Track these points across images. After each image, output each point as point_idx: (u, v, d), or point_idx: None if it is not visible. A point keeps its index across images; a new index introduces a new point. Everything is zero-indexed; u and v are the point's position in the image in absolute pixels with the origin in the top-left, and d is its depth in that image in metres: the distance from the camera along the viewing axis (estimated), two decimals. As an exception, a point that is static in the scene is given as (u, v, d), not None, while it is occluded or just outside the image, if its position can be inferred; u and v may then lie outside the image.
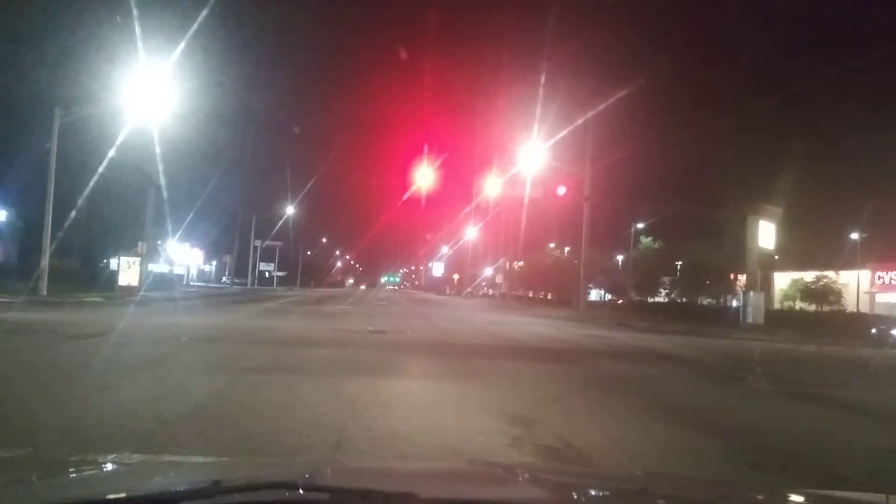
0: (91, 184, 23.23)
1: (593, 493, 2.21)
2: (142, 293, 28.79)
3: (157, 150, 26.20)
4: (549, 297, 63.68)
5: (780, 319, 32.00)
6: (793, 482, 4.85)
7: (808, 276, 42.23)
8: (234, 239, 69.70)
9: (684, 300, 48.24)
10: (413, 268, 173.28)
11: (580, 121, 31.44)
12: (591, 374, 11.09)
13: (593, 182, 36.09)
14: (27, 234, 39.13)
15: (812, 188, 40.17)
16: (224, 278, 79.56)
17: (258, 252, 70.82)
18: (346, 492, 1.58)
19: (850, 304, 40.50)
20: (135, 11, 19.77)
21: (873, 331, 25.71)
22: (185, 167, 37.10)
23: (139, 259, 32.93)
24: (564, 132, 30.40)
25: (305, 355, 11.00)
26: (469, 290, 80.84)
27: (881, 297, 42.15)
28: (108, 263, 38.95)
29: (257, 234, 67.64)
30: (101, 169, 22.61)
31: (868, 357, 17.92)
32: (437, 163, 31.83)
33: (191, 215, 41.99)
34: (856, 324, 29.27)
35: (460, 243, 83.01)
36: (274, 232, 69.21)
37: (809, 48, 59.28)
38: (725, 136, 70.59)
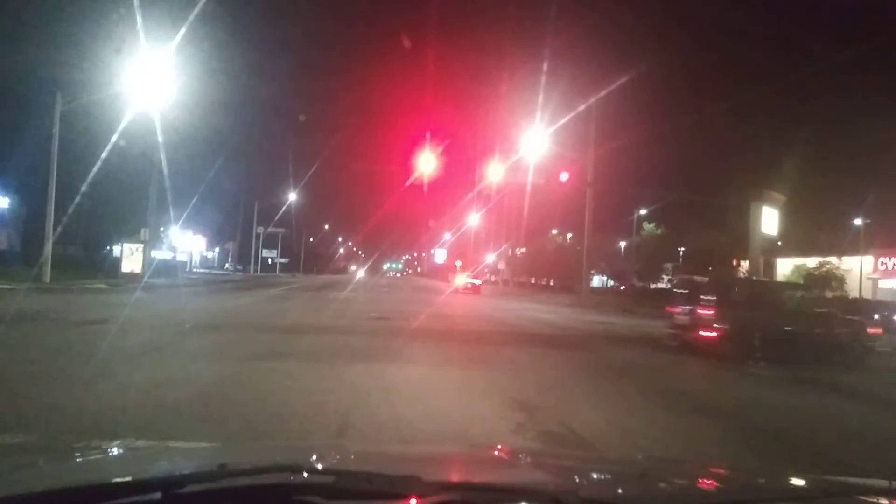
0: (94, 170, 23.17)
1: (595, 476, 2.22)
2: (145, 280, 28.84)
3: (160, 136, 26.11)
4: (551, 283, 63.69)
5: (782, 305, 31.86)
6: (794, 466, 4.87)
7: (811, 262, 42.12)
8: (236, 226, 69.74)
9: (687, 286, 48.07)
10: (415, 254, 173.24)
11: (583, 107, 31.24)
12: (593, 360, 11.12)
13: (596, 168, 35.93)
14: (30, 221, 39.16)
15: (816, 174, 40.05)
16: (227, 265, 79.62)
17: (261, 239, 70.88)
18: (351, 475, 1.59)
19: (852, 290, 40.42)
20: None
21: (876, 316, 25.68)
22: (188, 154, 37.02)
23: (142, 246, 32.98)
24: (567, 118, 30.20)
25: (309, 342, 11.03)
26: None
27: (884, 283, 42.04)
28: (112, 250, 38.96)
29: (260, 221, 67.70)
30: (103, 155, 22.54)
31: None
32: (440, 149, 31.65)
33: (194, 202, 41.92)
34: (858, 310, 29.20)
35: (463, 230, 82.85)
36: (277, 218, 69.16)
37: (814, 34, 58.86)
38: (729, 123, 70.41)
